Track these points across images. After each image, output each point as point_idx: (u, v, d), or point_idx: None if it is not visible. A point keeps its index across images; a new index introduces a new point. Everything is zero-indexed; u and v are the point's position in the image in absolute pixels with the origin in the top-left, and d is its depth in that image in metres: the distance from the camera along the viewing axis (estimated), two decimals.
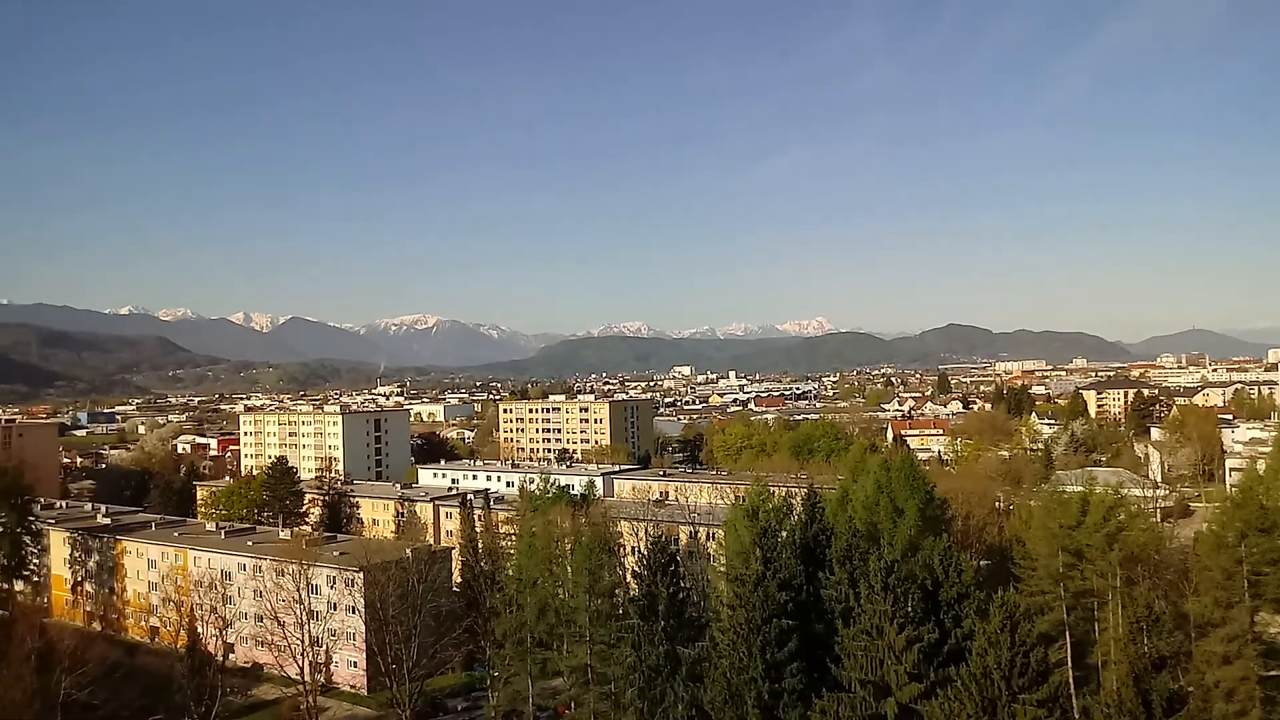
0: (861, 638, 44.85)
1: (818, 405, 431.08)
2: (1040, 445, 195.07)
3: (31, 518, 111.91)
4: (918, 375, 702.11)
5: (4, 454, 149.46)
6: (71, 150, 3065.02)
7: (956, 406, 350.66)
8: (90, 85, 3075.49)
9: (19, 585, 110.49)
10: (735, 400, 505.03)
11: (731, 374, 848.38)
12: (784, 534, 63.19)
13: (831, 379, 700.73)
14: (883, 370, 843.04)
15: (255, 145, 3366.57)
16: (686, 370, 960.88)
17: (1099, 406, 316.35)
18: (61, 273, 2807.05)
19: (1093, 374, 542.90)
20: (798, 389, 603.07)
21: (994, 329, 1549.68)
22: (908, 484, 78.24)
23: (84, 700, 65.82)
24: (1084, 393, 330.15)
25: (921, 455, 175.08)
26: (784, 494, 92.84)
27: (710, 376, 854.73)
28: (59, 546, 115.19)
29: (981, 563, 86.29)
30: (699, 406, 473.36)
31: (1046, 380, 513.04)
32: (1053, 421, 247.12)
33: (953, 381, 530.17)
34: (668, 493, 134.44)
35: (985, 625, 40.95)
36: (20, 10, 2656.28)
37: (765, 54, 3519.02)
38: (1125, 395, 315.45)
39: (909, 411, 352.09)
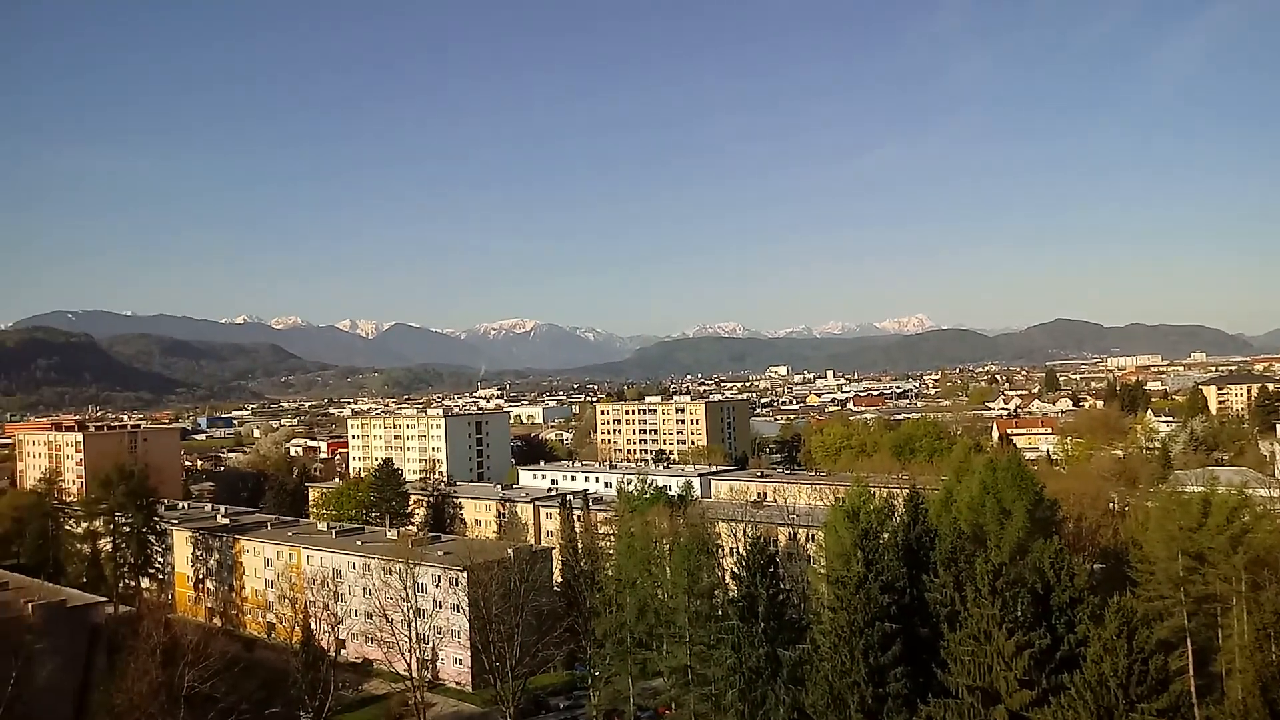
0: (969, 642, 43.74)
1: (919, 404, 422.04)
2: (1157, 444, 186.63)
3: (156, 518, 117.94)
4: (1024, 372, 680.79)
5: (131, 457, 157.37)
6: (186, 170, 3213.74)
7: (1066, 404, 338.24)
8: (212, 109, 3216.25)
9: (145, 582, 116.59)
10: (833, 400, 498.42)
11: (829, 373, 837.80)
12: (886, 535, 62.16)
13: (933, 377, 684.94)
14: (987, 368, 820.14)
15: (358, 156, 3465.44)
16: (783, 370, 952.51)
17: (1220, 402, 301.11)
18: (181, 285, 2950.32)
19: (1213, 369, 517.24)
20: (898, 388, 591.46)
21: (1104, 323, 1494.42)
22: (1015, 484, 76.04)
23: (205, 693, 68.83)
24: (1203, 388, 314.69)
25: (1029, 455, 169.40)
26: (885, 495, 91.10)
27: (807, 376, 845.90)
28: (182, 545, 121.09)
29: (1095, 566, 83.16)
30: (796, 406, 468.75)
31: (1162, 376, 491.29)
32: (1170, 419, 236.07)
33: (1061, 378, 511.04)
34: (766, 494, 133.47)
35: (1100, 631, 39.49)
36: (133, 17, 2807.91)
37: (855, 48, 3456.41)
38: (1248, 390, 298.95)
39: (1015, 410, 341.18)
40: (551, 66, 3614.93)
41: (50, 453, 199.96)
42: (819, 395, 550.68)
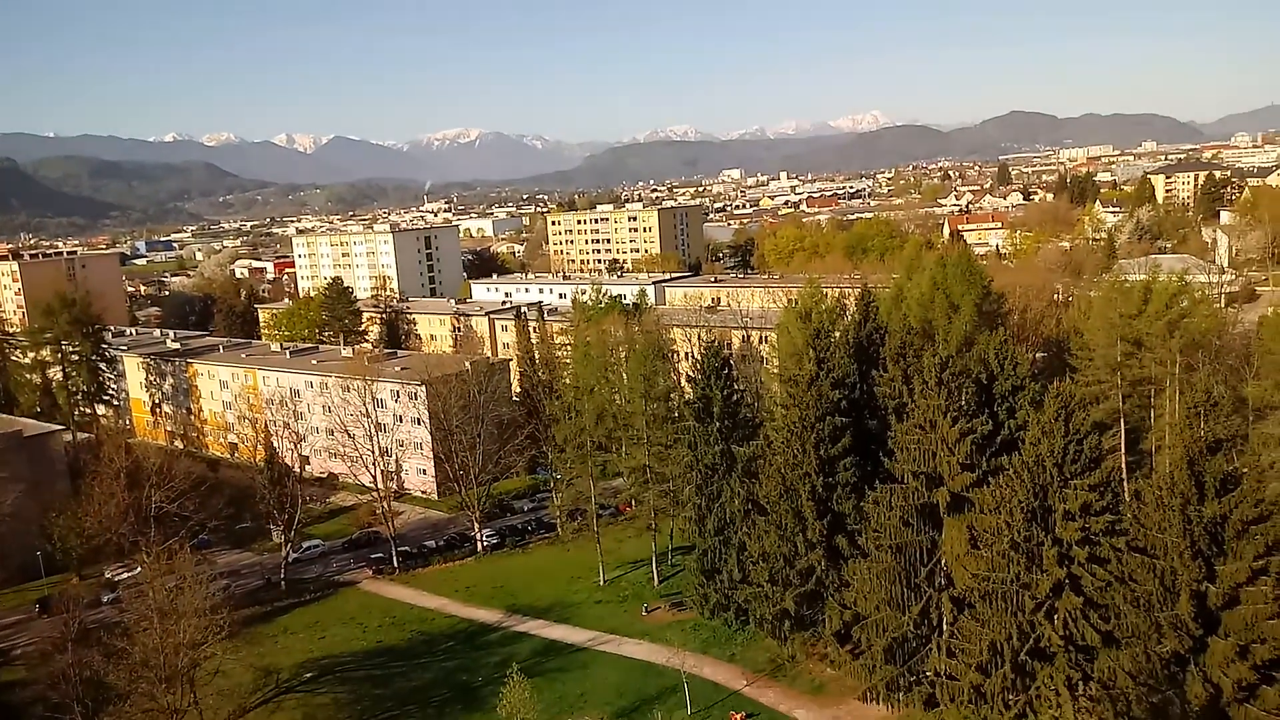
0: (914, 432, 45.27)
1: (872, 204, 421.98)
2: (1103, 235, 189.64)
3: (105, 345, 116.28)
4: (977, 168, 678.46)
5: (71, 285, 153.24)
6: None
7: (1017, 198, 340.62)
8: None
9: (101, 409, 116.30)
10: (787, 202, 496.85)
11: (783, 175, 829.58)
12: (837, 334, 63.18)
13: (887, 176, 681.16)
14: (940, 164, 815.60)
15: None
16: (736, 174, 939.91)
17: (1167, 192, 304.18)
18: (104, 102, 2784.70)
19: (1162, 157, 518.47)
20: (851, 188, 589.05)
21: (1059, 114, 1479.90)
22: (964, 280, 77.13)
23: (174, 512, 70.24)
24: (1151, 178, 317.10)
25: (979, 250, 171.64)
26: (837, 295, 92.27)
27: (761, 179, 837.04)
28: (134, 371, 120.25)
29: (1038, 356, 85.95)
30: (749, 211, 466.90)
31: (1113, 166, 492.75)
32: (1117, 209, 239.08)
33: (1013, 172, 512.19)
34: (720, 299, 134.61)
35: (1039, 415, 40.97)
36: None
37: None
38: (1195, 179, 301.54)
39: (966, 206, 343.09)
40: None
41: None
42: (772, 198, 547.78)
